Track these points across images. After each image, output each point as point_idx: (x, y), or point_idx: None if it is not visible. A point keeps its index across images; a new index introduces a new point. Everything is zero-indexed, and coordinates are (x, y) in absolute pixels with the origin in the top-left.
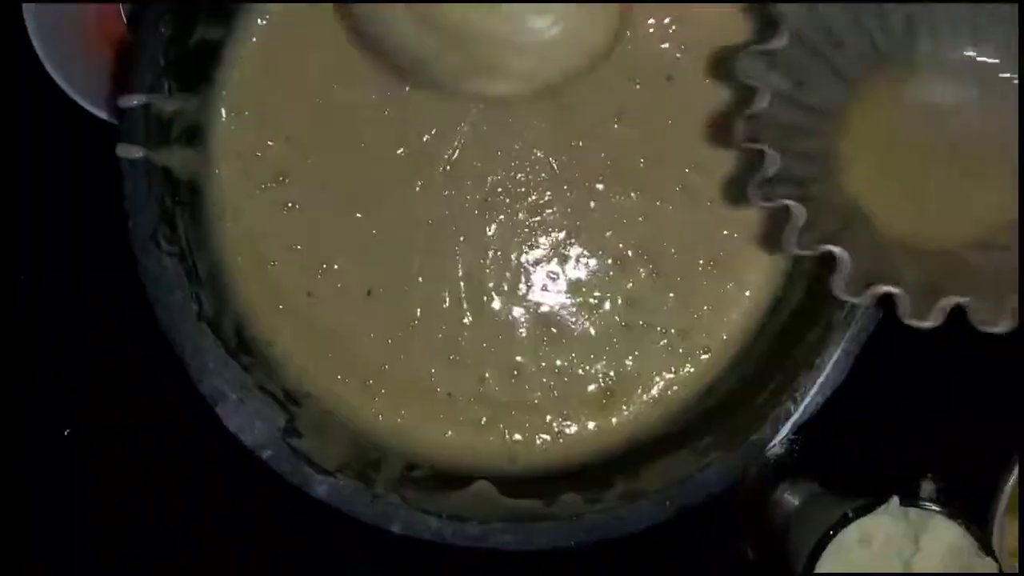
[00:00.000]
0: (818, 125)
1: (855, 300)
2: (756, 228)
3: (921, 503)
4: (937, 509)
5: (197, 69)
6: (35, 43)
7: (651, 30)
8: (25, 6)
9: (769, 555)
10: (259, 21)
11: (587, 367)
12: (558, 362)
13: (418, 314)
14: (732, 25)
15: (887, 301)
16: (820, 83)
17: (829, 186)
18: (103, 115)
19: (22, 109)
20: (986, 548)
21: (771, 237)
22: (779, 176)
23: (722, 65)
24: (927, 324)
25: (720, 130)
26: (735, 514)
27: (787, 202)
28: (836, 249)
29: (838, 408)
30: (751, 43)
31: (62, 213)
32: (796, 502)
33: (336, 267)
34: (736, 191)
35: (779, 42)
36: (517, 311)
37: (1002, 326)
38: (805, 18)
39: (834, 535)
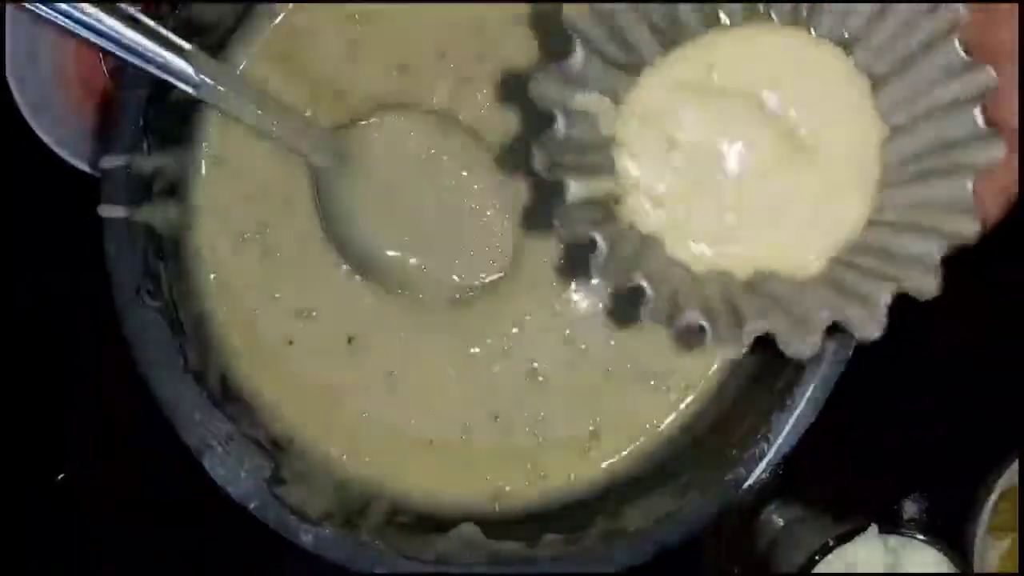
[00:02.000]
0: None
1: (668, 329)
2: None
3: (900, 531)
4: (917, 537)
5: (177, 125)
6: (16, 95)
7: None
8: (8, 55)
9: None
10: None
11: (572, 414)
12: (542, 412)
13: (399, 364)
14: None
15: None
16: (609, 87)
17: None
18: (85, 167)
19: (4, 162)
20: (965, 571)
21: None
22: (580, 202)
23: None
24: (734, 351)
25: None
26: (722, 536)
27: (592, 234)
28: (643, 282)
29: (822, 428)
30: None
31: (43, 264)
32: (781, 523)
33: (315, 315)
34: None
35: (576, 57)
36: (501, 362)
37: (807, 350)
38: (592, 21)
39: (817, 562)
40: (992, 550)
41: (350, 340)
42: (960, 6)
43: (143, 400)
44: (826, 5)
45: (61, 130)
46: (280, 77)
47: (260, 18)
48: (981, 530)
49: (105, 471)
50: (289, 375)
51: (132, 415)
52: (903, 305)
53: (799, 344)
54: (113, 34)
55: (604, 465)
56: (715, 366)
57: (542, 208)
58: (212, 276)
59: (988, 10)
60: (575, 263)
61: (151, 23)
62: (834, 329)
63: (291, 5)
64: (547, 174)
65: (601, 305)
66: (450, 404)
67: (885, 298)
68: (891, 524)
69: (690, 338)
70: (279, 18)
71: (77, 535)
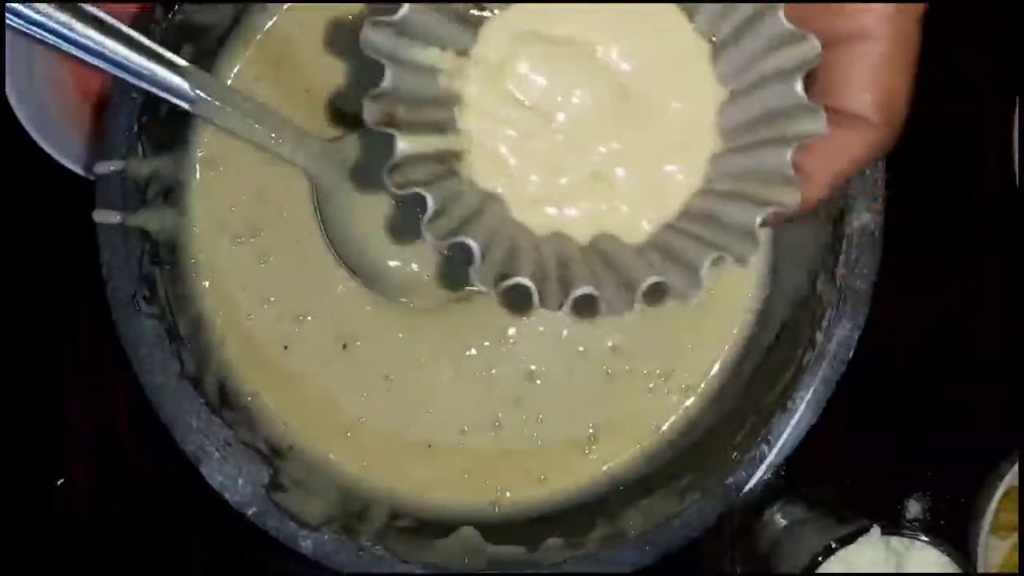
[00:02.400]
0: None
1: (491, 291)
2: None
3: (902, 532)
4: (920, 538)
5: (171, 130)
6: (13, 100)
7: None
8: (7, 60)
9: None
10: (227, 82)
11: (571, 417)
12: (541, 415)
13: (395, 367)
14: None
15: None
16: (450, 41)
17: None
18: (80, 171)
19: (2, 164)
20: (969, 571)
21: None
22: (414, 157)
23: None
24: (560, 312)
25: None
26: (723, 536)
27: (419, 191)
28: (470, 241)
29: (824, 429)
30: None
31: (42, 268)
32: (783, 524)
33: (310, 319)
34: None
35: (402, 10)
36: (499, 364)
37: (625, 312)
38: None
39: (819, 564)
40: (996, 550)
41: (345, 345)
42: None
43: (142, 405)
44: None
45: (58, 134)
46: (275, 77)
47: (256, 17)
48: (984, 530)
49: (104, 476)
50: (286, 380)
51: (131, 420)
52: (907, 304)
53: (618, 307)
54: (107, 53)
55: (604, 468)
56: (716, 368)
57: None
58: (207, 280)
59: (846, 4)
60: None
61: (146, 41)
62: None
63: (286, 5)
64: (377, 128)
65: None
66: (448, 407)
67: (705, 264)
68: (894, 524)
69: (518, 300)
70: (274, 19)
71: (76, 539)
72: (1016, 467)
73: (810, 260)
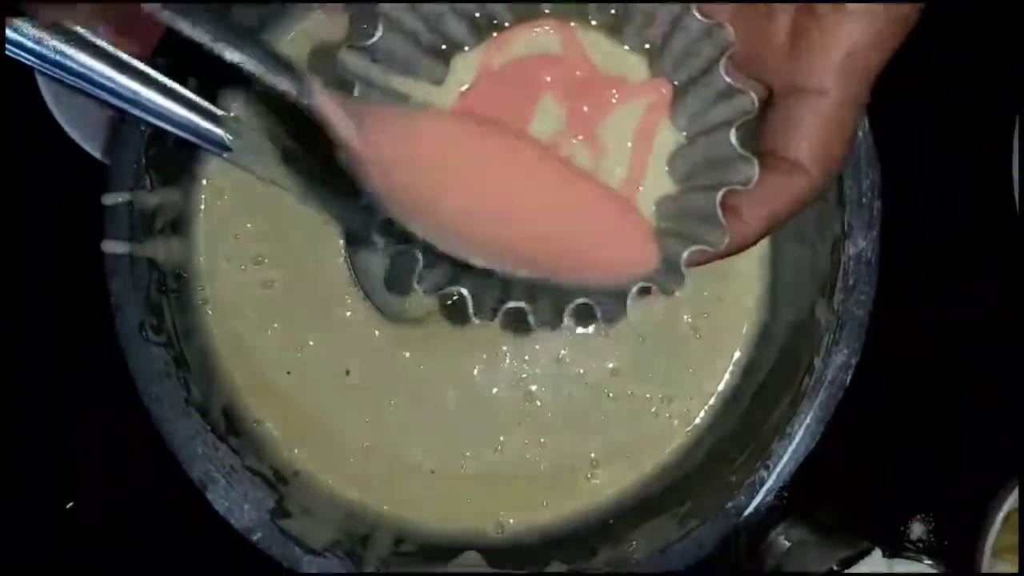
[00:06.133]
0: None
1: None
2: (736, 288)
3: (905, 554)
4: (922, 561)
5: (177, 162)
6: (42, 86)
7: None
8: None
9: None
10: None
11: (573, 440)
12: (543, 439)
13: (397, 392)
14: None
15: None
16: (423, 70)
17: None
18: (97, 155)
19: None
20: None
21: (747, 296)
22: None
23: None
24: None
25: None
26: (728, 558)
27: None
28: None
29: (828, 450)
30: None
31: (53, 291)
32: (787, 545)
33: (312, 344)
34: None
35: (376, 38)
36: (501, 388)
37: (554, 328)
38: (406, 9)
39: None
40: (999, 571)
41: (348, 371)
42: (729, 32)
43: (150, 431)
44: (631, 14)
45: (79, 114)
46: None
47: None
48: (987, 552)
49: (112, 501)
50: (289, 406)
51: (140, 445)
52: (909, 328)
53: (548, 323)
54: (146, 103)
55: (606, 492)
56: (717, 393)
57: None
58: (211, 309)
59: (802, 57)
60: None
61: (183, 91)
62: None
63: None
64: None
65: (592, 328)
66: (450, 431)
67: (631, 293)
68: (897, 545)
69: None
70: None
71: (85, 563)
72: (1018, 490)
73: (809, 287)
